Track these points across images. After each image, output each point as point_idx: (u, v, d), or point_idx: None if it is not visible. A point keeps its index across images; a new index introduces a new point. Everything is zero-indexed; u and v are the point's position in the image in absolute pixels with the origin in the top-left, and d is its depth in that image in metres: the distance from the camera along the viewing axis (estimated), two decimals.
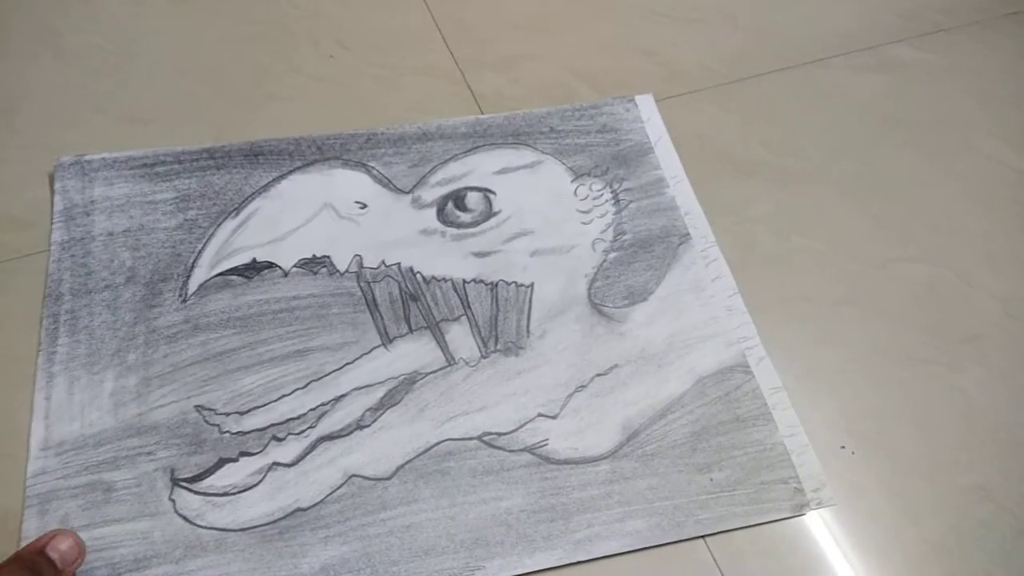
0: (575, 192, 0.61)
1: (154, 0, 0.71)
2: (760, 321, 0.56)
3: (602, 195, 0.61)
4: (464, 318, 0.55)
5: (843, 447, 0.52)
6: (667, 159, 0.64)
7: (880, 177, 0.65)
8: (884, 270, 0.60)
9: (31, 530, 0.46)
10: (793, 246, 0.60)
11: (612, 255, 0.58)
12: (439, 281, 0.56)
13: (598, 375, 0.53)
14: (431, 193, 0.60)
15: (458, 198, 0.60)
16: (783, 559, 0.48)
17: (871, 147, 0.66)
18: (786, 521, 0.49)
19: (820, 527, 0.49)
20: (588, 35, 0.72)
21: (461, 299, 0.56)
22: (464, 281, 0.56)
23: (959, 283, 0.59)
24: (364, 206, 0.59)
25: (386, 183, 0.60)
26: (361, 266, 0.56)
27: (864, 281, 0.59)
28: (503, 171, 0.62)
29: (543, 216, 0.60)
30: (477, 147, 0.63)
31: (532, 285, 0.57)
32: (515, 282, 0.57)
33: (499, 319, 0.55)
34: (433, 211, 0.59)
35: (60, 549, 0.43)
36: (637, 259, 0.58)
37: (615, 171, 0.63)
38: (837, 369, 0.55)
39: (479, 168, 0.62)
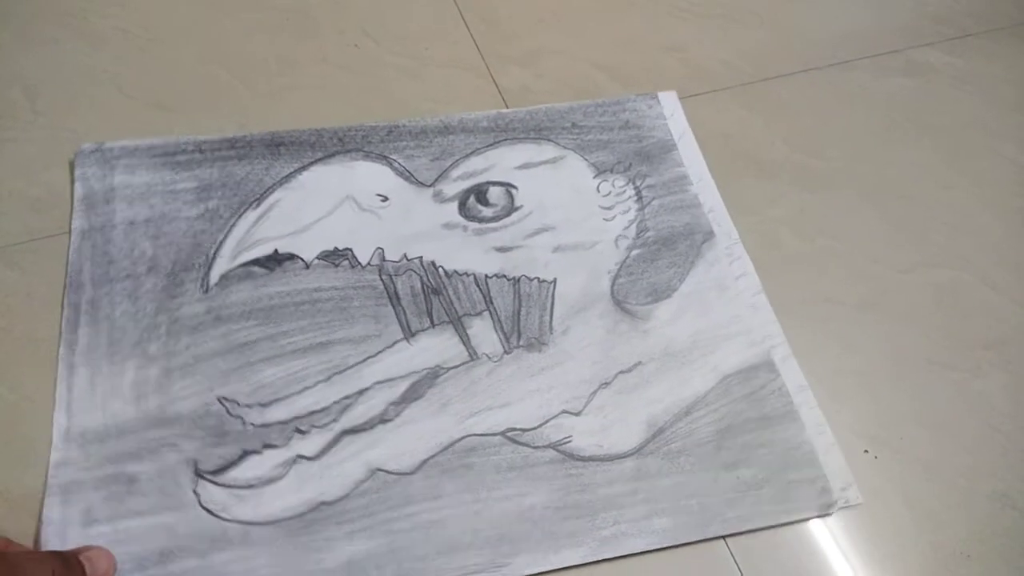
0: (598, 188, 0.61)
1: None
2: (782, 322, 0.56)
3: (625, 191, 0.61)
4: (486, 313, 0.55)
5: (866, 451, 0.52)
6: (690, 156, 0.63)
7: (904, 180, 0.64)
8: (907, 274, 0.59)
9: (54, 517, 0.46)
10: (816, 247, 0.60)
11: (635, 252, 0.58)
12: (461, 275, 0.56)
13: (622, 372, 0.53)
14: (453, 187, 0.60)
15: (480, 192, 0.59)
16: (803, 563, 0.48)
17: (895, 150, 0.66)
18: (807, 525, 0.49)
19: (841, 531, 0.49)
20: (613, 30, 0.71)
21: (483, 294, 0.55)
22: (486, 276, 0.56)
23: (982, 288, 0.59)
24: (386, 199, 0.58)
25: (408, 176, 0.60)
26: (383, 259, 0.56)
27: (887, 284, 0.59)
28: (525, 166, 0.61)
29: (565, 212, 0.59)
30: (499, 141, 0.62)
31: (555, 281, 0.56)
32: (537, 277, 0.56)
33: (522, 314, 0.55)
34: (455, 205, 0.59)
35: (90, 556, 0.43)
36: (660, 256, 0.58)
37: (638, 167, 0.62)
38: (859, 372, 0.55)
39: (501, 162, 0.61)
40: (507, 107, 0.65)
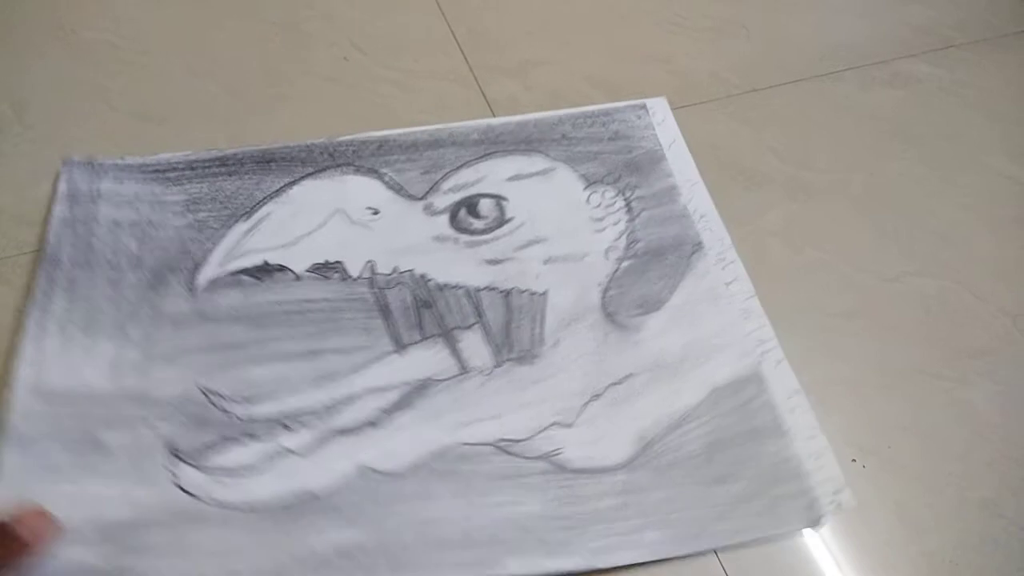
0: (588, 200, 0.61)
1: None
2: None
3: (615, 203, 0.61)
4: (477, 326, 0.55)
5: (854, 460, 0.52)
6: (681, 162, 0.64)
7: (891, 190, 0.65)
8: (895, 283, 0.60)
9: (12, 467, 0.44)
10: (805, 258, 0.60)
11: (625, 263, 0.58)
12: (452, 288, 0.56)
13: (612, 384, 0.53)
14: (444, 200, 0.60)
15: (471, 205, 0.60)
16: (794, 573, 0.48)
17: (882, 160, 0.66)
18: (797, 535, 0.49)
19: (830, 541, 0.49)
20: (602, 42, 0.72)
21: (474, 306, 0.55)
22: (477, 288, 0.56)
23: (969, 297, 0.59)
24: (376, 212, 0.58)
25: (398, 189, 0.60)
26: (374, 272, 0.56)
27: (875, 294, 0.59)
28: (515, 178, 0.61)
29: (556, 224, 0.60)
30: (489, 154, 0.62)
31: (546, 293, 0.56)
32: (528, 290, 0.56)
33: (512, 327, 0.55)
34: (446, 217, 0.59)
35: (24, 520, 0.41)
36: (650, 268, 0.58)
37: (627, 179, 0.62)
38: (847, 382, 0.55)
39: (491, 175, 0.61)
40: (495, 117, 0.65)
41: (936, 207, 0.64)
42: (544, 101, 0.67)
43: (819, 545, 0.49)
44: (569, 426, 0.51)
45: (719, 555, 0.48)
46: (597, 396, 0.53)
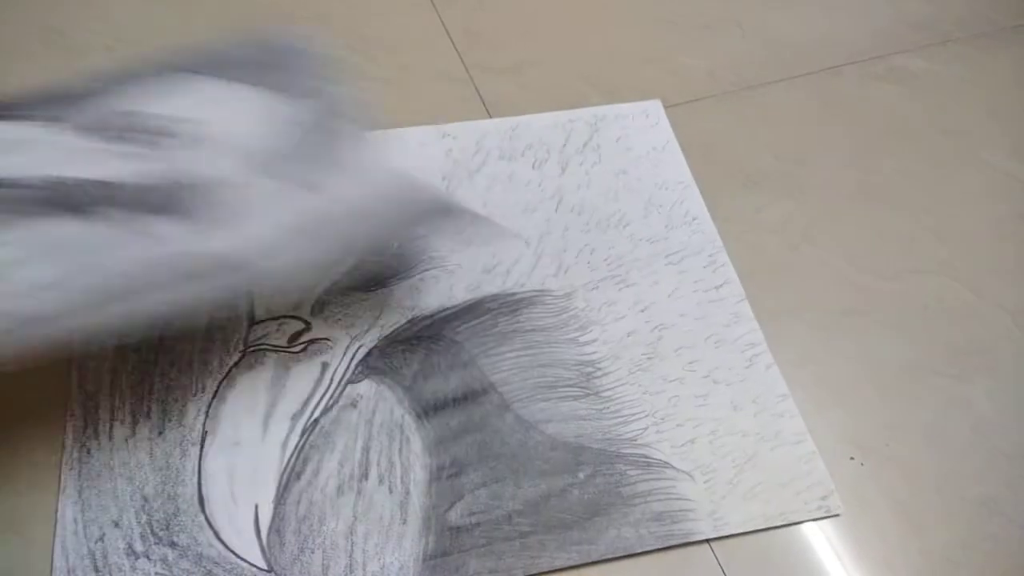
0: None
1: (160, 0, 0.71)
2: (768, 330, 0.56)
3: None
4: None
5: (852, 458, 0.52)
6: (674, 165, 0.63)
7: (889, 187, 0.64)
8: (893, 281, 0.59)
9: None
10: (802, 255, 0.60)
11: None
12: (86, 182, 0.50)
13: None
14: (106, 118, 0.54)
15: (132, 120, 0.53)
16: (791, 570, 0.48)
17: (880, 156, 0.66)
18: (796, 531, 0.49)
19: (828, 538, 0.49)
20: (598, 41, 0.72)
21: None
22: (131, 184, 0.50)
23: (968, 295, 0.59)
24: (23, 142, 0.53)
25: (56, 120, 0.54)
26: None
27: (873, 292, 0.59)
28: (200, 98, 0.56)
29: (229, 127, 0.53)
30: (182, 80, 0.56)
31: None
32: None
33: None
34: (104, 132, 0.53)
35: None
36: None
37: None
38: (846, 379, 0.55)
39: (173, 96, 0.55)
40: (491, 117, 0.65)
41: (934, 203, 0.64)
42: (539, 99, 0.67)
43: (817, 542, 0.49)
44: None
45: (714, 549, 0.48)
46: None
